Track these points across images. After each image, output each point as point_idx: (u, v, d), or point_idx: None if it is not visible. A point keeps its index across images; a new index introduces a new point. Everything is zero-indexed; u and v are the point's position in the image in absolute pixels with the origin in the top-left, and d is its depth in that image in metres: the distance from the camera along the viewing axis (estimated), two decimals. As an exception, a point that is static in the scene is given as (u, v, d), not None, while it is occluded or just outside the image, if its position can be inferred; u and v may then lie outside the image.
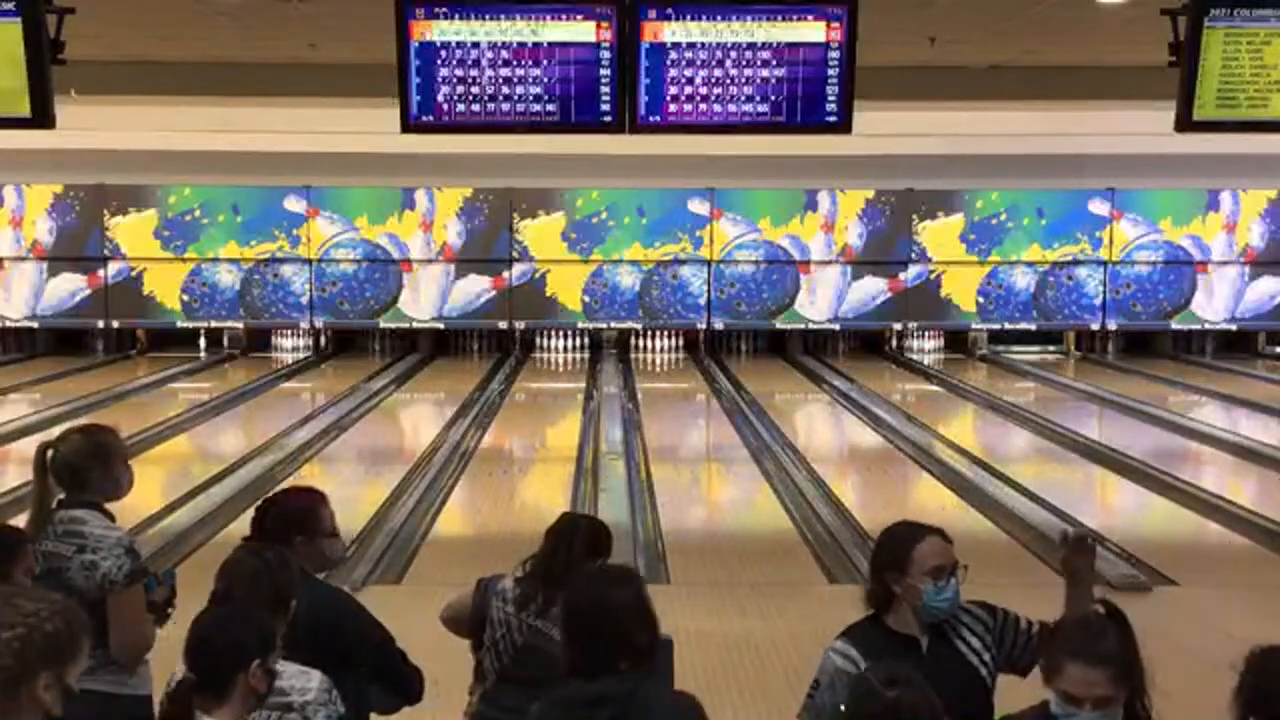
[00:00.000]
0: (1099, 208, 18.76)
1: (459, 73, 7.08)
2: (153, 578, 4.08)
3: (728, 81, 7.11)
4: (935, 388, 17.08)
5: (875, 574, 3.42)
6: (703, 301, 18.76)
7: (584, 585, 3.23)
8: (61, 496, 4.19)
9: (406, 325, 18.88)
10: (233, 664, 2.87)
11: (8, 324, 18.76)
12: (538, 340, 19.40)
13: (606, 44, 7.05)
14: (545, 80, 7.08)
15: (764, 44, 7.09)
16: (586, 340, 19.31)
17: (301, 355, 19.13)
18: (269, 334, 19.40)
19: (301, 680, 3.15)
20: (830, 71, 7.14)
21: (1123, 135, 16.93)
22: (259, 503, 4.05)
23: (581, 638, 3.11)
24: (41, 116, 7.11)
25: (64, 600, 2.51)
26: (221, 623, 3.00)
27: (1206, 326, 19.17)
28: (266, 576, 3.32)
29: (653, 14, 7.06)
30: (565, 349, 19.39)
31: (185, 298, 18.62)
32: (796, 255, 18.72)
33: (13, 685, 2.26)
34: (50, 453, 4.17)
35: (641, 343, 19.40)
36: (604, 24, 7.04)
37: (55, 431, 4.47)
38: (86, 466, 4.12)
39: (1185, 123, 7.29)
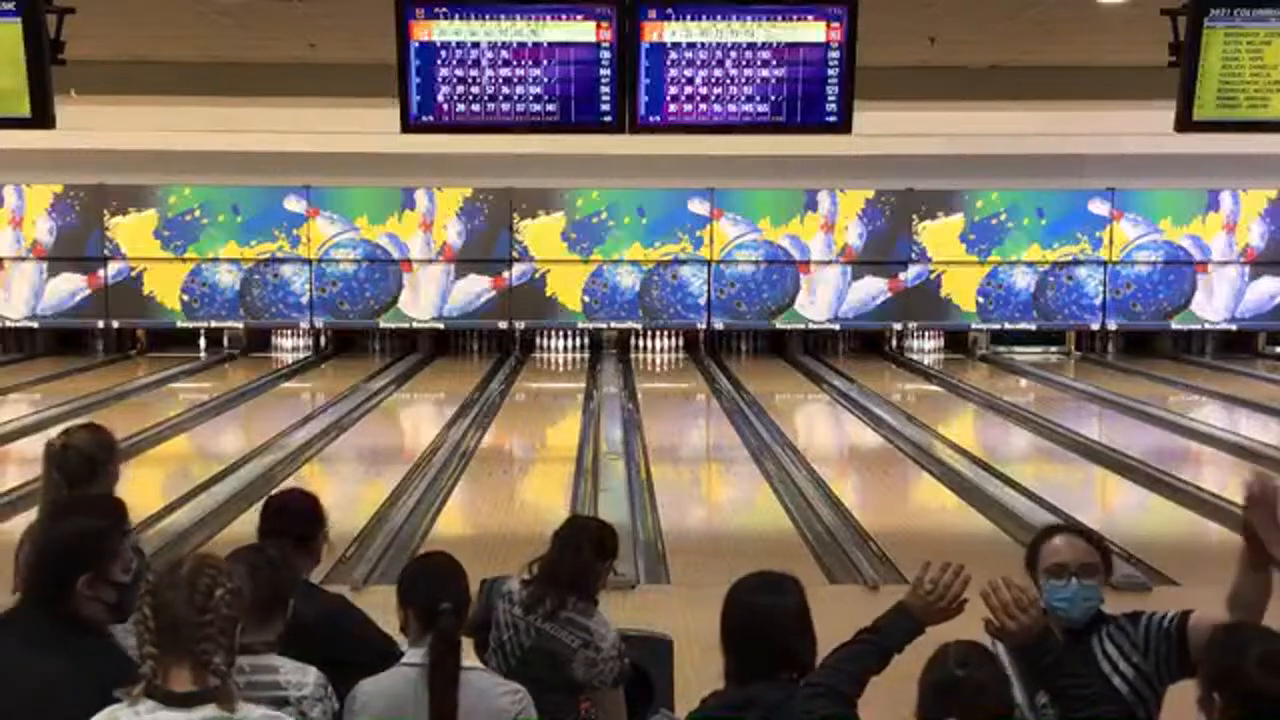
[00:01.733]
0: (1099, 208, 18.76)
1: (459, 73, 7.09)
2: None
3: (728, 81, 7.12)
4: (935, 388, 17.08)
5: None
6: (703, 301, 18.76)
7: (743, 594, 3.18)
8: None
9: (406, 325, 18.88)
10: (467, 593, 3.56)
11: (8, 324, 18.76)
12: (538, 340, 19.40)
13: (606, 44, 7.06)
14: (545, 80, 7.08)
15: (764, 44, 7.09)
16: (586, 340, 19.31)
17: (301, 355, 19.14)
18: (269, 334, 19.41)
19: (298, 675, 3.19)
20: (830, 71, 7.14)
21: (1123, 135, 16.93)
22: (272, 508, 4.03)
23: (740, 647, 3.08)
24: (41, 116, 7.12)
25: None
26: (446, 565, 3.58)
27: (1206, 326, 19.17)
28: (266, 574, 3.32)
29: (653, 14, 7.06)
30: (565, 349, 19.38)
31: (185, 298, 18.62)
32: (796, 255, 18.71)
33: (232, 634, 2.75)
34: (63, 447, 4.20)
35: (641, 343, 19.40)
36: (604, 24, 7.04)
37: (54, 432, 4.48)
38: (102, 460, 4.20)
39: (1185, 123, 7.29)
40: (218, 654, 2.66)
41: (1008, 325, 19.20)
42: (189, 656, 2.64)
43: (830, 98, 7.17)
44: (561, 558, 4.07)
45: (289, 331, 19.38)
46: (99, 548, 3.19)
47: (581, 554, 4.08)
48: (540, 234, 18.60)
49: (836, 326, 19.11)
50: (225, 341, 19.29)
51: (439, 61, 7.09)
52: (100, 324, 18.84)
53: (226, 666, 2.69)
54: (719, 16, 7.07)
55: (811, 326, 19.04)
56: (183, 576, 2.70)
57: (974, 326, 19.23)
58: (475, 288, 18.69)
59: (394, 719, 3.39)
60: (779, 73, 7.11)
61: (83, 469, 4.17)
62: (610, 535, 4.22)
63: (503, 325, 18.87)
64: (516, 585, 4.10)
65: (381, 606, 4.02)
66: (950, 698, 2.71)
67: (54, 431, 4.49)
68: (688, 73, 7.11)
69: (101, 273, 18.56)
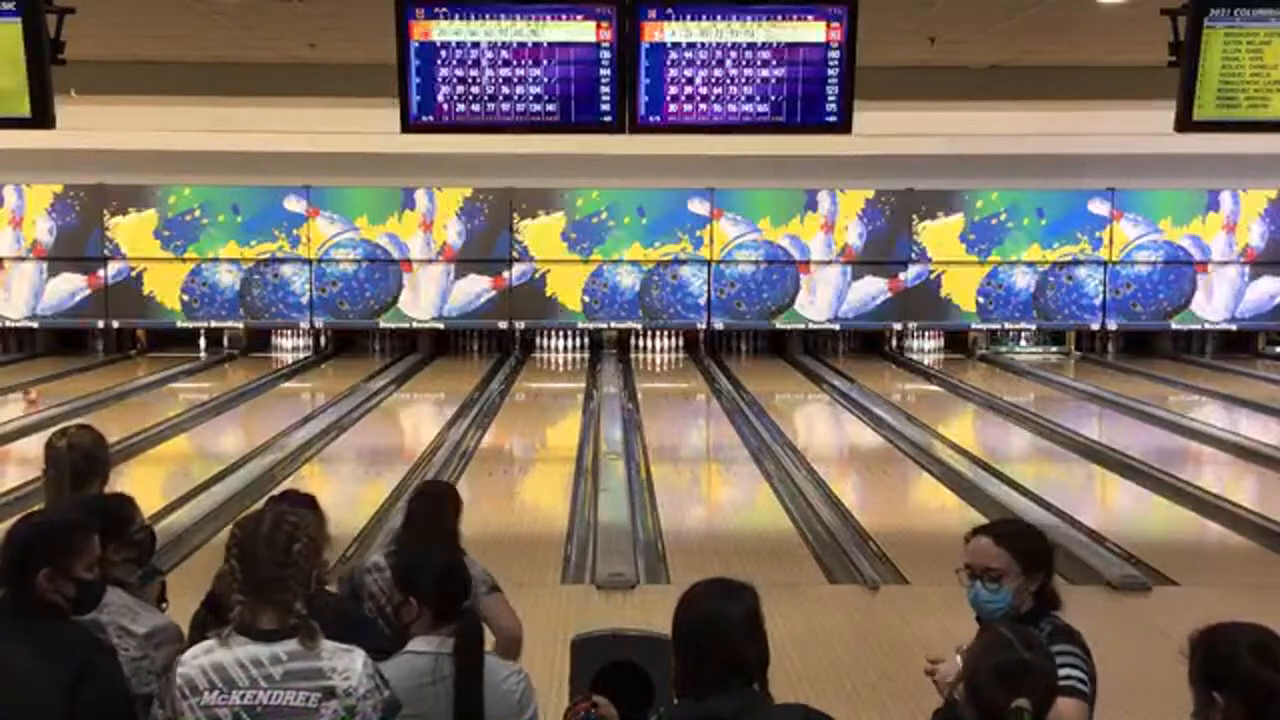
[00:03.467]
0: (1099, 208, 18.76)
1: (459, 73, 7.09)
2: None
3: (728, 81, 7.12)
4: (935, 388, 17.08)
5: None
6: (703, 301, 18.76)
7: (696, 599, 3.12)
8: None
9: (406, 325, 18.88)
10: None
11: (8, 324, 18.76)
12: (538, 340, 19.41)
13: (606, 44, 7.06)
14: (545, 80, 7.08)
15: (764, 44, 7.09)
16: (586, 340, 19.32)
17: (301, 355, 19.14)
18: (269, 334, 19.41)
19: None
20: (830, 71, 7.15)
21: (1123, 135, 16.93)
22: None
23: (691, 652, 3.04)
24: (41, 116, 7.12)
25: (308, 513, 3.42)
26: (456, 560, 3.70)
27: (1206, 326, 19.17)
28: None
29: (653, 14, 7.07)
30: (565, 349, 19.39)
31: (185, 298, 18.62)
32: (796, 255, 18.72)
33: (309, 579, 3.04)
34: (68, 447, 4.21)
35: (641, 343, 19.40)
36: (604, 24, 7.04)
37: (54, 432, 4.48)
38: (102, 458, 4.24)
39: (1185, 123, 7.29)
40: (297, 601, 2.96)
41: (1008, 325, 19.23)
42: (272, 603, 2.94)
43: (830, 98, 7.17)
44: (429, 522, 4.47)
45: (289, 331, 19.38)
46: (62, 544, 3.24)
47: (446, 515, 4.52)
48: (540, 234, 18.60)
49: (836, 326, 19.10)
50: (225, 341, 19.29)
51: (439, 61, 7.09)
52: (100, 324, 18.84)
53: (305, 609, 2.97)
54: (719, 16, 7.07)
55: (811, 326, 19.04)
56: (264, 533, 2.99)
57: (974, 326, 19.24)
58: (475, 288, 18.69)
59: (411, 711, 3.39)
60: (779, 73, 7.11)
61: (84, 467, 4.20)
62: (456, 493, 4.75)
63: (503, 325, 18.86)
64: (381, 558, 4.43)
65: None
66: (1021, 681, 2.73)
67: (53, 432, 4.50)
68: (688, 73, 7.11)
69: (101, 273, 18.56)
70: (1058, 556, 3.48)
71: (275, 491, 4.56)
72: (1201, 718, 2.76)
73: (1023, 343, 19.90)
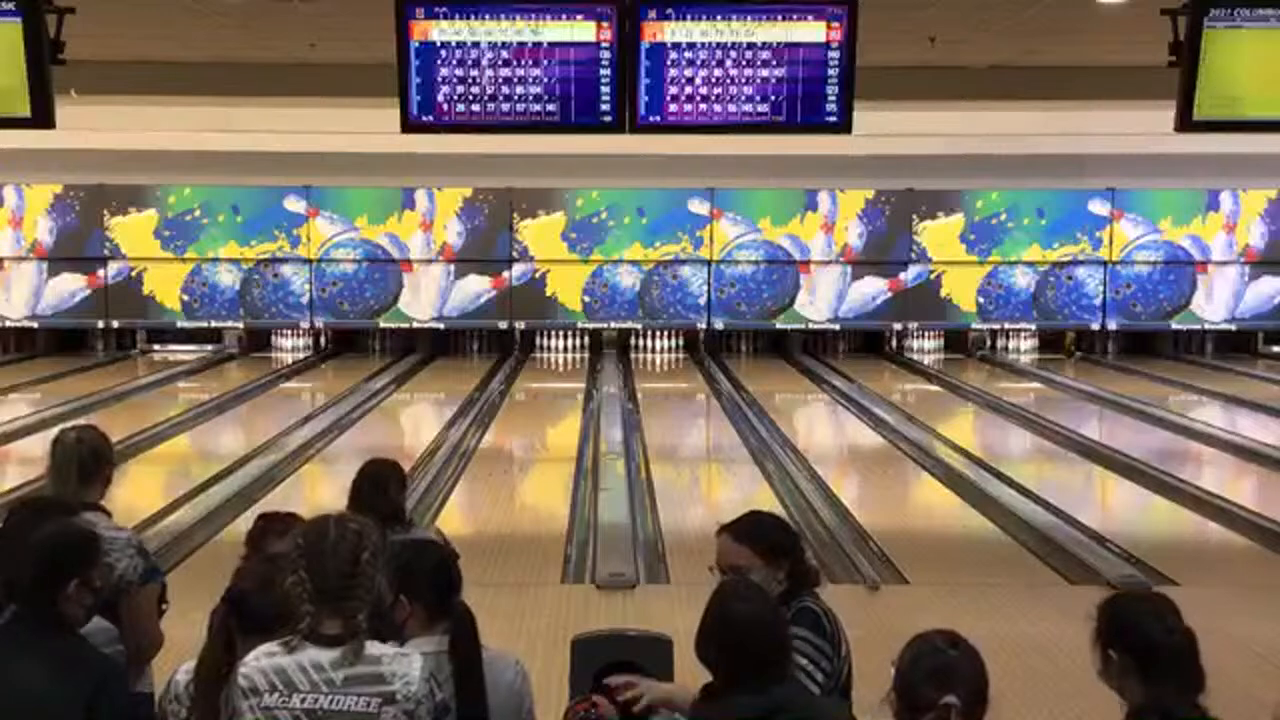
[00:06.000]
0: (1099, 208, 18.76)
1: (459, 73, 7.09)
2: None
3: (727, 81, 7.12)
4: (935, 388, 17.07)
5: None
6: (703, 301, 18.76)
7: (735, 606, 3.16)
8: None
9: (406, 325, 18.88)
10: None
11: (8, 324, 18.76)
12: (538, 340, 19.40)
13: (606, 44, 7.06)
14: (545, 80, 7.08)
15: (764, 44, 7.09)
16: (586, 340, 19.31)
17: (301, 355, 19.14)
18: (269, 334, 19.41)
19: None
20: (830, 71, 7.15)
21: (1123, 135, 16.92)
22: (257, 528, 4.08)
23: (740, 658, 3.08)
24: (41, 116, 7.12)
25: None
26: (448, 555, 3.64)
27: (1206, 326, 19.17)
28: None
29: (653, 14, 7.06)
30: (565, 349, 19.39)
31: (185, 298, 18.63)
32: (796, 255, 18.72)
33: (375, 588, 3.07)
34: (76, 440, 4.21)
35: (641, 343, 19.40)
36: (604, 24, 7.04)
37: (54, 432, 4.48)
38: (108, 457, 4.24)
39: (1185, 123, 7.29)
40: (362, 610, 3.00)
41: (1008, 325, 19.23)
42: (339, 611, 2.98)
43: (830, 98, 7.17)
44: (374, 497, 4.57)
45: (289, 331, 19.38)
46: (86, 556, 3.25)
47: (389, 492, 4.65)
48: (540, 234, 18.61)
49: (836, 326, 19.11)
50: (225, 341, 19.29)
51: (439, 61, 7.09)
52: (100, 324, 18.85)
53: (367, 619, 3.02)
54: (719, 16, 7.07)
55: (811, 326, 19.05)
56: (330, 543, 3.02)
57: (974, 326, 19.24)
58: (475, 288, 18.70)
59: None
60: (779, 73, 7.11)
61: (91, 463, 4.21)
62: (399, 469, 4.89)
63: (503, 325, 18.87)
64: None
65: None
66: (949, 677, 2.81)
67: (54, 432, 4.50)
68: (688, 72, 7.11)
69: (101, 273, 18.56)
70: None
71: (258, 513, 4.50)
72: (1103, 674, 2.96)
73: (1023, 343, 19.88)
